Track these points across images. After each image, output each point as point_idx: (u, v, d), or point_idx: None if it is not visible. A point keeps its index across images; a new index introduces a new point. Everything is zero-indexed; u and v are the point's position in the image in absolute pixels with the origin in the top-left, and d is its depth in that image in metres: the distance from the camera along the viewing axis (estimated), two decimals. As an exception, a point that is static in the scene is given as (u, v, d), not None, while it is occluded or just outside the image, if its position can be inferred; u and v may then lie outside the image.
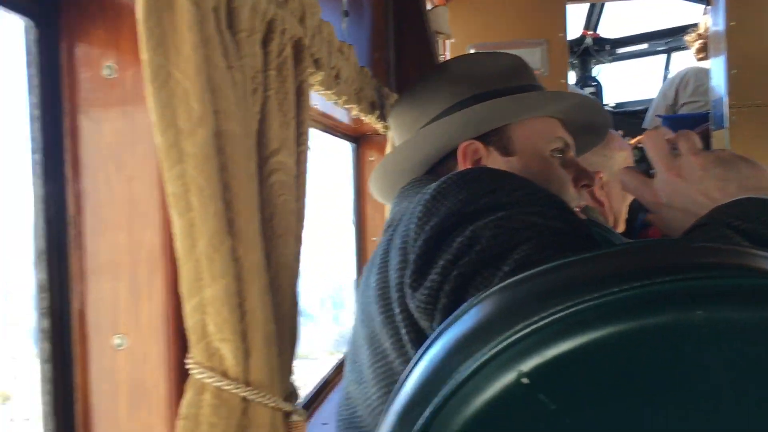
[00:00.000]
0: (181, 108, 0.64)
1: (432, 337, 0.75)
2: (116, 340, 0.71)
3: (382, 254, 1.21)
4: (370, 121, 1.69)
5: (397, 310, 1.11)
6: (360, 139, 2.22)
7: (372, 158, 2.22)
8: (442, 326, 0.74)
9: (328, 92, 1.28)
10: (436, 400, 0.72)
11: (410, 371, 0.81)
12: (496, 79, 1.37)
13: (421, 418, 0.72)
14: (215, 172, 0.67)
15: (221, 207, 0.68)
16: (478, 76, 1.38)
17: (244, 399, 0.71)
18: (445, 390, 0.71)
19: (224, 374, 0.70)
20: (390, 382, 1.17)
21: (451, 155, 1.36)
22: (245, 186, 0.71)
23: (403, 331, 1.11)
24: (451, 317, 0.74)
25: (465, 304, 0.73)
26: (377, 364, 1.19)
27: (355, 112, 1.53)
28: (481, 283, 1.01)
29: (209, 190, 0.66)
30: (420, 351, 0.77)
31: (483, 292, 0.72)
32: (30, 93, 0.68)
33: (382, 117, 1.74)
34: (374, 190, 1.58)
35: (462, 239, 1.02)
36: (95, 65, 0.71)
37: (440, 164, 1.39)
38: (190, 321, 0.69)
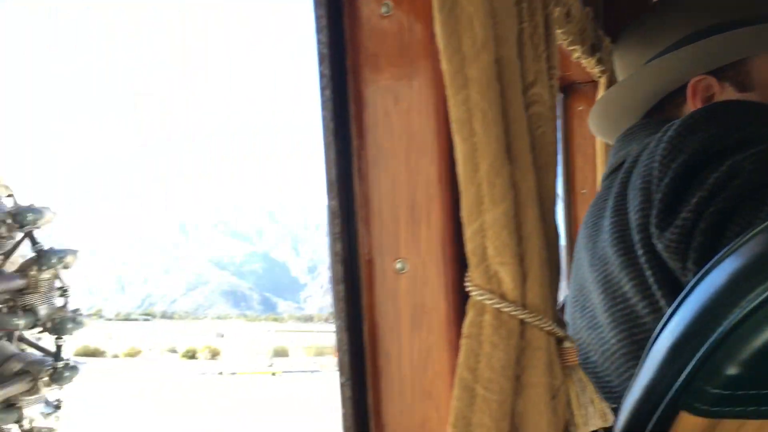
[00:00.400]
0: (465, 34, 0.66)
1: (706, 268, 0.72)
2: (398, 265, 0.76)
3: (615, 197, 1.18)
4: (588, 64, 1.64)
5: (639, 252, 1.08)
6: (568, 88, 2.16)
7: (581, 108, 2.15)
8: (719, 256, 0.71)
9: (558, 31, 1.26)
10: (721, 329, 0.69)
11: (678, 306, 0.78)
12: (738, 7, 1.26)
13: (702, 348, 0.70)
14: (496, 97, 0.68)
15: (501, 132, 0.69)
16: (717, 3, 1.28)
17: (522, 322, 0.73)
18: (732, 318, 0.68)
19: (502, 297, 0.72)
20: (631, 325, 1.14)
21: (678, 92, 1.28)
22: (519, 113, 0.72)
23: (648, 272, 1.07)
24: (729, 247, 0.70)
25: (747, 233, 0.69)
26: (615, 308, 1.17)
27: (576, 55, 1.50)
28: (742, 218, 0.94)
29: (491, 115, 0.68)
30: (690, 284, 0.74)
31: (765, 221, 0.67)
32: (318, 32, 0.74)
33: (600, 61, 1.68)
34: (593, 127, 1.53)
35: (718, 175, 0.96)
36: (373, 4, 0.75)
37: (665, 102, 1.32)
38: (471, 244, 0.71)
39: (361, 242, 0.77)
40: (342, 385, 0.75)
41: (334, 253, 0.75)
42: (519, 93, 0.73)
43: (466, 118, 0.67)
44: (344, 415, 0.75)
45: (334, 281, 0.75)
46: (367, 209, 0.76)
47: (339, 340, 0.75)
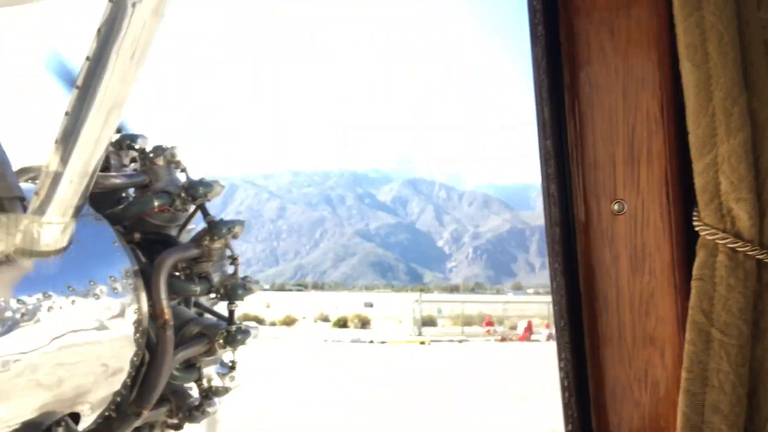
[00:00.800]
0: (700, -50, 0.61)
1: None
2: (615, 206, 0.73)
3: None
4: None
5: None
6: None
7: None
8: None
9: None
10: None
11: None
12: None
13: None
14: (733, 19, 0.63)
15: (738, 56, 0.64)
16: None
17: (759, 262, 0.67)
18: None
19: (737, 236, 0.67)
20: None
21: None
22: (756, 36, 0.66)
23: None
24: None
25: None
26: None
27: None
28: None
29: (728, 38, 0.62)
30: None
31: None
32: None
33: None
34: None
35: None
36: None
37: None
38: (701, 181, 0.67)
39: (575, 183, 0.74)
40: (560, 329, 0.73)
41: (548, 195, 0.73)
42: (755, 14, 0.66)
43: (700, 42, 0.62)
44: (563, 360, 0.73)
45: (550, 224, 0.73)
46: (581, 149, 0.74)
47: (556, 284, 0.73)
